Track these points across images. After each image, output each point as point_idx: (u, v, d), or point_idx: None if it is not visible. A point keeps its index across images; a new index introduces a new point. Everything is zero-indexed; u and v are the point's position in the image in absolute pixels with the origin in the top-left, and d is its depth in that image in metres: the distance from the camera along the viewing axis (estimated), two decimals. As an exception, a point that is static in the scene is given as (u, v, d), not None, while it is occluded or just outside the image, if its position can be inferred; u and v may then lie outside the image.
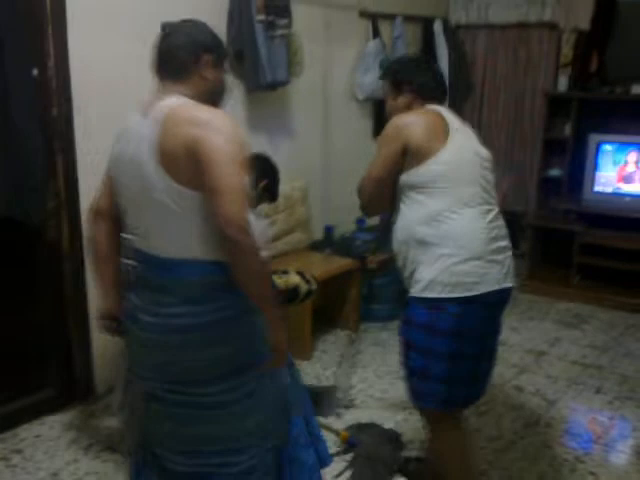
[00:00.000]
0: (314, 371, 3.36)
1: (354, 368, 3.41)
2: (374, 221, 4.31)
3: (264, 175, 2.52)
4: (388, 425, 2.81)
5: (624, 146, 4.42)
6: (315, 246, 4.01)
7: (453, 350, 1.96)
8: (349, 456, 2.59)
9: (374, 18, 4.22)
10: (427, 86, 2.14)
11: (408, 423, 2.84)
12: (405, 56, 3.15)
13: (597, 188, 4.49)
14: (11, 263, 2.71)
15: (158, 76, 1.72)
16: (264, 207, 3.04)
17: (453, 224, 1.95)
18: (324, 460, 2.02)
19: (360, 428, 2.76)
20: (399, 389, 3.14)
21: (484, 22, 4.86)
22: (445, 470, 2.14)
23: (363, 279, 3.86)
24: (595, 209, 4.46)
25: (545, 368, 3.43)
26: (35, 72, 2.60)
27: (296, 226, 3.88)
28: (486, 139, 2.73)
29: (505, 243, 2.05)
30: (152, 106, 1.63)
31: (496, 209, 2.06)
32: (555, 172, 4.76)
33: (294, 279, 2.68)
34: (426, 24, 4.68)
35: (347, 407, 2.99)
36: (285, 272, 2.73)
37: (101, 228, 1.84)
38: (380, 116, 4.44)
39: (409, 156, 1.97)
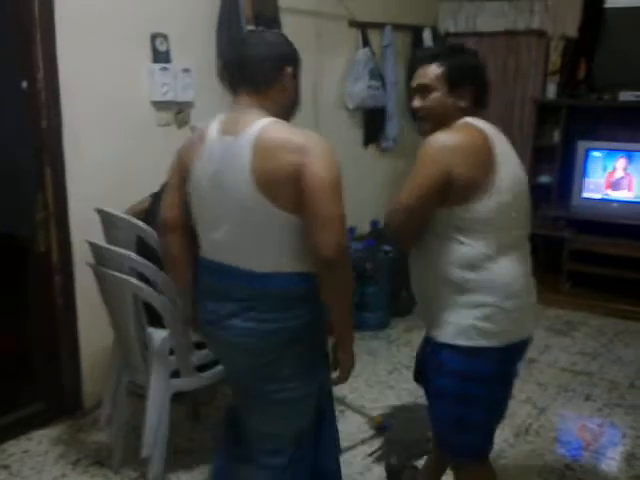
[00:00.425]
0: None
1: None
2: (364, 230, 4.32)
3: None
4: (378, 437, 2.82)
5: (612, 153, 4.45)
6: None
7: (492, 396, 1.82)
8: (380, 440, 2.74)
9: (364, 27, 4.23)
10: (486, 93, 1.80)
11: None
12: (462, 46, 1.90)
13: (586, 194, 4.52)
14: (-1, 275, 2.69)
15: (234, 88, 1.69)
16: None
17: (499, 272, 1.72)
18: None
19: (393, 413, 2.97)
20: (389, 398, 3.16)
21: (472, 30, 4.87)
22: None
23: (354, 287, 3.84)
24: (584, 215, 4.49)
25: (535, 375, 3.44)
26: (25, 85, 2.60)
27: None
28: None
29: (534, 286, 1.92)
30: (236, 123, 1.62)
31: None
32: (545, 179, 4.78)
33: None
34: (415, 33, 4.70)
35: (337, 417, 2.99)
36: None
37: (174, 240, 1.84)
38: (370, 125, 4.47)
39: (454, 188, 1.64)
